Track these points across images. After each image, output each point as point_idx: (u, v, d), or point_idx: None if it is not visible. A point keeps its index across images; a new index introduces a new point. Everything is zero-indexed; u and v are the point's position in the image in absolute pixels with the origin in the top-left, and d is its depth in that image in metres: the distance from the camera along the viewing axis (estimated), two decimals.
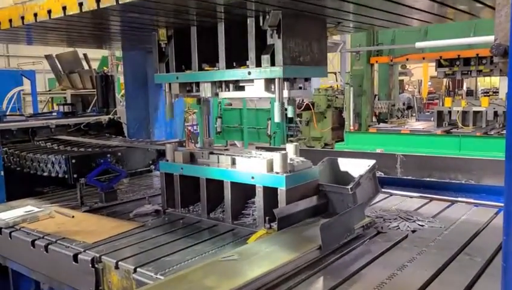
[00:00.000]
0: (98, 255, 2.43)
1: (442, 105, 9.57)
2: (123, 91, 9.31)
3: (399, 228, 2.69)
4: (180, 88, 3.13)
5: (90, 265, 2.41)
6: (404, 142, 8.50)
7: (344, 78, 14.88)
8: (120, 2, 2.22)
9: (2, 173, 3.79)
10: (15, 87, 12.03)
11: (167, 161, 3.22)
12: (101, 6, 2.32)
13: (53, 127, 4.91)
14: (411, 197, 3.42)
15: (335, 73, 16.63)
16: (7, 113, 7.06)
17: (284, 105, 2.69)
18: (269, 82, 2.67)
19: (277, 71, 2.58)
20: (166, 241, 2.63)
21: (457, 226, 2.74)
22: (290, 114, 2.84)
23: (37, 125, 4.83)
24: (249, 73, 2.69)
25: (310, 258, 2.20)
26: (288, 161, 2.72)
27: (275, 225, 2.55)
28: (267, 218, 2.61)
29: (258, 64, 2.66)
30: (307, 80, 2.87)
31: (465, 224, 2.78)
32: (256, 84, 2.73)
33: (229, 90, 2.89)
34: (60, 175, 3.61)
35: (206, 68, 2.94)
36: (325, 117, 11.45)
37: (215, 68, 2.90)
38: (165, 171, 3.22)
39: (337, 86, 14.61)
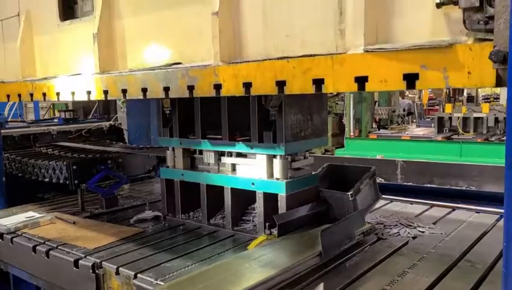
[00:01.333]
0: (98, 261, 2.43)
1: (443, 111, 9.59)
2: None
3: (399, 234, 2.69)
4: (183, 152, 3.14)
5: (91, 271, 2.41)
6: (404, 149, 8.51)
7: None
8: (127, 97, 2.29)
9: (4, 179, 3.79)
10: None
11: (168, 167, 3.23)
12: (109, 98, 2.41)
13: (54, 134, 4.93)
14: (411, 203, 3.42)
15: None
16: (9, 120, 7.08)
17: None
18: (271, 156, 2.70)
19: (279, 149, 2.62)
20: (167, 247, 2.63)
21: (458, 232, 2.74)
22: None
23: (38, 132, 4.85)
24: (251, 147, 2.74)
25: (311, 264, 2.20)
26: (289, 167, 2.73)
27: (275, 231, 2.55)
28: (267, 224, 2.61)
29: (261, 139, 2.70)
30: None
31: (466, 230, 2.78)
32: (258, 157, 2.75)
33: (231, 157, 2.91)
34: (61, 181, 3.61)
35: (209, 136, 2.96)
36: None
37: (218, 137, 2.91)
38: (166, 177, 3.23)
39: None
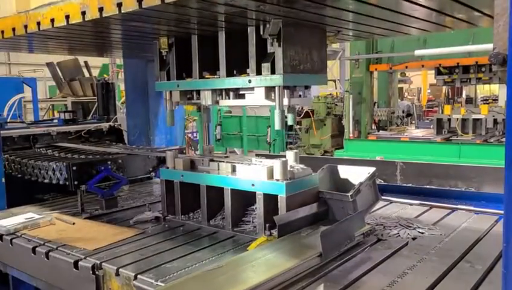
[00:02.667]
0: (98, 262, 2.43)
1: (442, 112, 9.58)
2: (123, 98, 9.32)
3: (399, 235, 2.69)
4: (180, 96, 3.15)
5: (91, 272, 2.41)
6: (403, 150, 8.51)
7: (343, 86, 14.94)
8: (122, 11, 2.24)
9: (3, 180, 3.79)
10: (16, 95, 12.06)
11: (167, 168, 3.23)
12: (104, 15, 2.35)
13: (54, 134, 4.93)
14: (411, 204, 3.43)
15: (334, 81, 16.70)
16: (8, 121, 7.08)
17: (284, 113, 2.70)
18: (269, 90, 2.69)
19: (277, 79, 2.60)
20: (167, 248, 2.64)
21: (458, 233, 2.75)
22: (290, 122, 2.86)
23: (38, 133, 4.85)
24: (249, 81, 2.71)
25: (310, 265, 2.20)
26: (289, 168, 2.73)
27: (275, 232, 2.56)
28: (267, 225, 2.62)
29: (259, 72, 2.68)
30: (306, 87, 2.89)
31: (465, 231, 2.78)
32: (256, 92, 2.75)
33: (229, 98, 2.90)
34: (60, 182, 3.61)
35: (206, 76, 2.96)
36: (325, 124, 11.48)
37: (215, 76, 2.92)
38: (166, 178, 3.23)
39: (337, 93, 14.67)
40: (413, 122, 12.72)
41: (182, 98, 3.15)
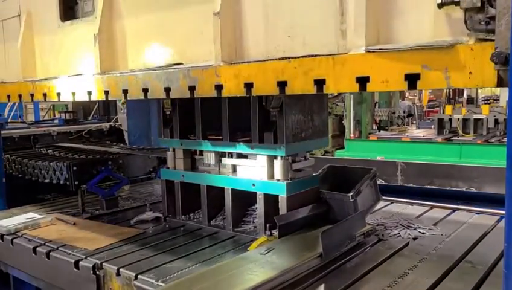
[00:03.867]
0: (99, 262, 2.43)
1: (443, 113, 9.59)
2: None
3: (400, 235, 2.69)
4: (184, 153, 3.14)
5: (92, 272, 2.41)
6: (404, 150, 8.51)
7: None
8: (128, 98, 2.30)
9: (4, 180, 3.79)
10: None
11: (168, 168, 3.23)
12: (110, 98, 2.42)
13: (54, 135, 4.94)
14: (412, 204, 3.42)
15: None
16: (9, 121, 7.08)
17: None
18: (272, 156, 2.70)
19: (280, 150, 2.62)
20: (167, 248, 2.63)
21: (459, 233, 2.74)
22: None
23: (38, 133, 4.86)
24: (252, 148, 2.74)
25: (311, 265, 2.19)
26: (289, 169, 2.72)
27: (275, 232, 2.55)
28: (267, 225, 2.61)
29: (261, 139, 2.69)
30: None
31: (466, 232, 2.78)
32: (259, 158, 2.75)
33: (232, 158, 2.91)
34: (61, 182, 3.61)
35: (210, 137, 2.96)
36: None
37: (219, 137, 2.91)
38: (166, 178, 3.23)
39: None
40: (414, 122, 12.72)
41: (185, 154, 3.14)
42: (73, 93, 2.61)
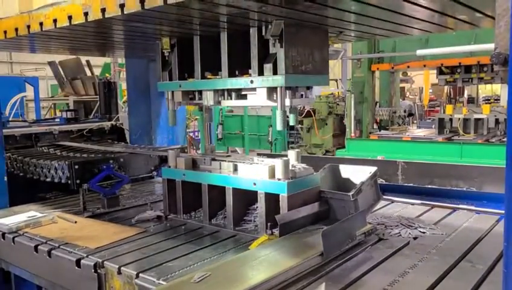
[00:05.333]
0: (100, 260, 2.45)
1: (444, 112, 9.59)
2: (125, 97, 9.32)
3: (400, 234, 2.70)
4: (182, 96, 3.15)
5: (93, 270, 2.42)
6: (405, 149, 8.51)
7: (345, 85, 14.93)
8: (125, 12, 2.25)
9: (6, 178, 3.80)
10: (18, 94, 12.08)
11: (169, 167, 3.24)
12: (106, 16, 2.36)
13: (56, 133, 4.95)
14: (412, 204, 3.43)
15: (336, 80, 16.67)
16: (10, 119, 7.10)
17: (286, 113, 2.71)
18: (271, 90, 2.69)
19: (279, 80, 2.60)
20: (168, 247, 2.64)
21: (459, 233, 2.75)
22: (292, 122, 2.86)
23: (40, 131, 4.87)
24: (251, 82, 2.72)
25: (312, 264, 2.21)
26: (290, 168, 2.74)
27: (276, 231, 2.56)
28: (268, 224, 2.62)
29: (261, 73, 2.69)
30: (308, 88, 2.90)
31: (466, 231, 2.79)
32: (258, 93, 2.75)
33: (231, 99, 2.91)
34: (62, 181, 3.63)
35: (208, 76, 2.97)
36: (326, 124, 11.48)
37: (217, 76, 2.92)
38: (167, 177, 3.24)
39: (338, 93, 14.64)
40: (415, 122, 12.73)
41: (184, 98, 3.16)
42: (70, 17, 2.55)
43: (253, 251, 2.38)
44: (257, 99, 2.78)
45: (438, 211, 3.23)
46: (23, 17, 2.91)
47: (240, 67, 2.83)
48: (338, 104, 11.72)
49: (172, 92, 3.20)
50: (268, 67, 2.63)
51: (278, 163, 2.70)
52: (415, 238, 2.64)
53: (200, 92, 3.08)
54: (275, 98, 2.68)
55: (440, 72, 9.01)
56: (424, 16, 2.57)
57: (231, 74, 2.84)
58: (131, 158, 4.01)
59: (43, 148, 4.52)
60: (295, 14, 2.41)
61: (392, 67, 9.69)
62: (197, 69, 3.02)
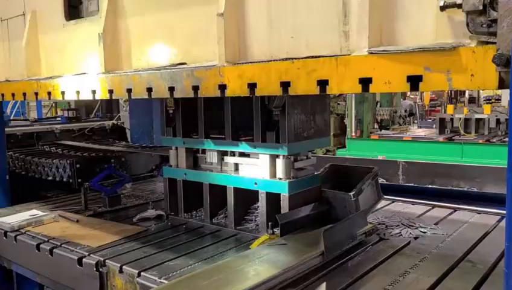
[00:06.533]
0: (102, 259, 2.45)
1: (445, 112, 9.59)
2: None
3: (401, 234, 2.70)
4: (186, 152, 3.16)
5: (95, 269, 2.43)
6: (406, 149, 8.51)
7: None
8: (132, 97, 2.30)
9: (8, 177, 3.81)
10: None
11: (171, 166, 3.24)
12: (114, 97, 2.43)
13: (57, 132, 4.96)
14: (413, 203, 3.43)
15: None
16: (11, 118, 7.11)
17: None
18: (274, 156, 2.71)
19: (282, 149, 2.63)
20: (170, 246, 2.65)
21: (460, 233, 2.75)
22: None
23: (41, 130, 4.88)
24: (254, 147, 2.75)
25: (313, 263, 2.21)
26: (291, 167, 2.74)
27: (277, 231, 2.56)
28: (269, 223, 2.62)
29: (263, 138, 2.71)
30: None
31: (467, 231, 2.79)
32: (261, 157, 2.76)
33: (234, 156, 2.92)
34: (64, 179, 3.64)
35: (212, 136, 2.98)
36: None
37: (221, 136, 2.92)
38: (169, 176, 3.24)
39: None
40: (416, 121, 12.72)
41: (187, 153, 3.16)
42: (78, 92, 2.63)
43: (254, 250, 2.38)
44: (260, 162, 2.77)
45: (439, 211, 3.23)
46: (31, 83, 2.99)
47: (243, 128, 2.85)
48: (339, 104, 11.72)
49: (177, 147, 3.21)
50: (270, 135, 2.67)
51: (279, 163, 2.70)
52: (415, 238, 2.65)
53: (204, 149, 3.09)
54: (277, 164, 2.70)
55: None
56: None
57: (235, 136, 2.85)
58: (132, 157, 4.02)
59: (44, 147, 4.53)
60: None
61: None
62: (200, 128, 3.03)
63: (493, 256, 2.30)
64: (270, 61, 1.80)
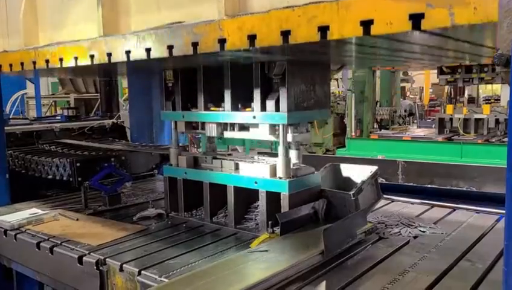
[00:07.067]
0: (102, 257, 2.46)
1: (444, 112, 9.60)
2: (126, 95, 9.33)
3: (400, 233, 2.71)
4: (186, 126, 3.15)
5: (95, 267, 2.44)
6: (405, 149, 8.52)
7: (346, 85, 14.93)
8: (131, 59, 2.28)
9: (7, 175, 3.81)
10: (18, 91, 12.08)
11: (171, 165, 3.25)
12: (112, 61, 2.40)
13: (57, 131, 4.96)
14: (412, 203, 3.44)
15: (337, 79, 16.68)
16: (10, 117, 7.11)
17: (287, 150, 2.72)
18: (274, 126, 2.71)
19: (281, 118, 2.62)
20: (170, 244, 2.66)
21: (459, 232, 2.76)
22: (294, 160, 2.85)
23: (41, 129, 4.88)
24: (254, 117, 2.74)
25: (313, 262, 2.22)
26: (291, 166, 2.75)
27: (277, 230, 2.57)
28: (269, 222, 2.63)
29: (263, 108, 2.70)
30: (310, 122, 2.93)
31: (466, 230, 2.80)
32: (261, 128, 2.76)
33: (234, 130, 2.92)
34: (64, 178, 3.64)
35: (211, 108, 2.97)
36: (327, 123, 11.47)
37: (220, 109, 2.92)
38: (169, 175, 3.25)
39: (339, 92, 14.64)
40: (415, 121, 12.74)
41: (187, 128, 3.16)
42: (76, 58, 2.58)
43: (254, 249, 2.39)
44: (259, 134, 2.78)
45: (438, 211, 3.24)
46: (28, 52, 2.94)
47: (242, 99, 2.83)
48: (338, 104, 11.74)
49: (176, 121, 3.21)
50: (270, 104, 2.66)
51: (279, 162, 2.71)
52: (415, 237, 2.66)
53: (203, 123, 3.08)
54: (276, 133, 2.70)
55: (441, 71, 9.02)
56: (423, 50, 2.56)
57: (234, 107, 2.85)
58: (132, 156, 4.02)
59: (44, 145, 4.53)
60: (298, 56, 2.45)
61: (393, 67, 9.69)
62: (200, 101, 3.02)
63: (492, 255, 2.31)
64: (270, 10, 1.78)
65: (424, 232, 2.73)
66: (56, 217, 3.24)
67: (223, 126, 2.95)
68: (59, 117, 6.02)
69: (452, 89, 12.34)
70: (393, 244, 2.54)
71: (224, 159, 3.05)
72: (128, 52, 2.30)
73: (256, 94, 2.71)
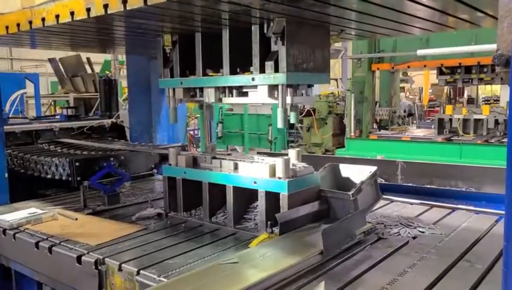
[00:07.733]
0: (101, 257, 2.46)
1: (443, 112, 9.59)
2: (125, 95, 9.32)
3: (400, 234, 2.71)
4: (184, 93, 3.17)
5: (94, 267, 2.44)
6: (404, 149, 8.51)
7: (345, 85, 14.93)
8: (128, 8, 2.25)
9: (6, 175, 3.81)
10: (18, 90, 12.07)
11: (170, 164, 3.24)
12: (109, 12, 2.36)
13: (56, 130, 4.96)
14: (412, 203, 3.44)
15: (336, 79, 16.68)
16: (10, 116, 7.10)
17: (286, 111, 2.72)
18: (273, 88, 2.71)
19: (280, 78, 2.61)
20: (169, 244, 2.66)
21: (458, 233, 2.76)
22: (292, 120, 2.87)
23: (40, 128, 4.88)
24: (253, 79, 2.73)
25: (312, 263, 2.22)
26: (291, 167, 2.75)
27: (276, 230, 2.57)
28: (269, 222, 2.63)
29: (262, 70, 2.70)
30: (309, 86, 2.92)
31: (465, 231, 2.80)
32: (259, 90, 2.77)
33: (232, 96, 2.92)
34: (63, 178, 3.63)
35: (210, 74, 2.98)
36: (326, 123, 11.47)
37: (219, 74, 2.94)
38: (168, 175, 3.24)
39: (339, 92, 14.64)
40: (415, 122, 12.74)
41: (185, 95, 3.18)
42: (73, 13, 2.55)
43: (253, 249, 2.39)
44: (258, 97, 2.79)
45: (437, 211, 3.24)
46: (25, 12, 2.90)
47: (241, 64, 2.83)
48: (338, 104, 11.71)
49: (174, 89, 3.21)
50: (269, 64, 2.64)
51: (278, 162, 2.71)
52: (414, 237, 2.66)
53: (201, 89, 3.10)
54: (276, 96, 2.70)
55: (440, 72, 9.02)
56: (426, 14, 2.58)
57: (232, 71, 2.85)
58: (131, 156, 4.02)
59: (44, 145, 4.53)
60: (297, 11, 2.42)
61: (392, 67, 9.70)
62: (198, 66, 3.03)
63: (491, 256, 2.31)
64: None
65: (423, 232, 2.73)
66: (55, 216, 3.23)
67: (222, 90, 2.94)
68: (58, 117, 6.02)
69: (451, 90, 12.36)
70: (392, 244, 2.54)
71: (223, 159, 3.04)
72: (125, 2, 2.26)
73: (255, 55, 2.70)
